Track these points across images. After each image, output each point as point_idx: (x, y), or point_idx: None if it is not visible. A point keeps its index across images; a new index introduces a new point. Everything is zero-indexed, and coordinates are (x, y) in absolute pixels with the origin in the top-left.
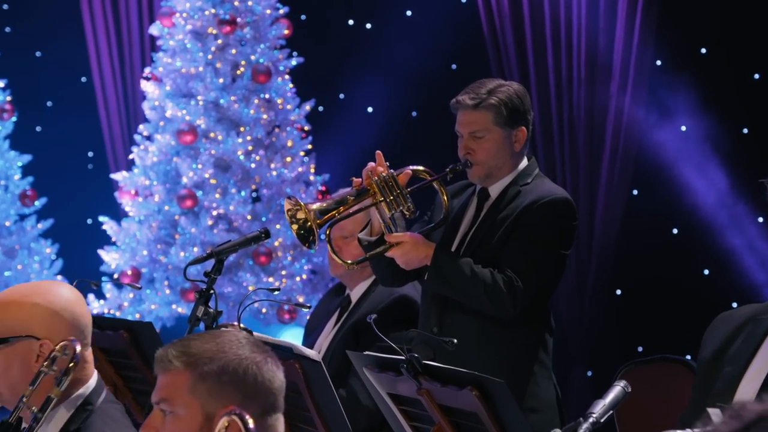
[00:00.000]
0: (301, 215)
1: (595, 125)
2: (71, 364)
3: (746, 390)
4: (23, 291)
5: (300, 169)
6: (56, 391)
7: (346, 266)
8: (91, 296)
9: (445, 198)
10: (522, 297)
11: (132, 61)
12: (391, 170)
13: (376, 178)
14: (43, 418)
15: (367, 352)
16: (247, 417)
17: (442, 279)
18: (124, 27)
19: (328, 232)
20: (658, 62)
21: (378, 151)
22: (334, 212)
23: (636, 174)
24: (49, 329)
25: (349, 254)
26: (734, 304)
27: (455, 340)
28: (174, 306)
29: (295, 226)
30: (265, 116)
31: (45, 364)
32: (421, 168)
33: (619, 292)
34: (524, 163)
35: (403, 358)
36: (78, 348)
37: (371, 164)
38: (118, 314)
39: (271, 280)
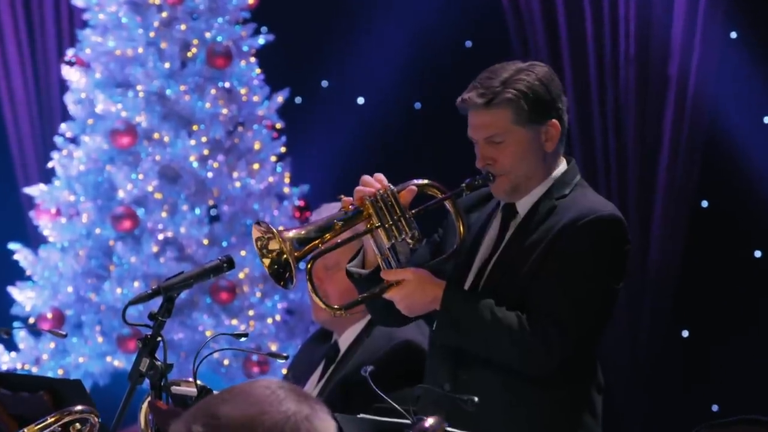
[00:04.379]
0: (274, 246)
1: (649, 117)
2: None
3: None
4: None
5: (270, 179)
6: None
7: (333, 312)
8: None
9: (461, 225)
10: (560, 346)
11: (45, 40)
12: (391, 186)
13: (371, 196)
14: None
15: (361, 415)
16: None
17: (455, 328)
18: None
19: (309, 267)
20: (733, 34)
21: (378, 174)
22: (317, 242)
23: (704, 180)
24: None
25: (334, 289)
26: None
27: (476, 399)
28: (108, 358)
29: (267, 261)
30: (224, 111)
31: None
32: (428, 182)
33: (685, 333)
34: (561, 167)
35: (408, 422)
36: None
37: (365, 177)
38: (35, 370)
39: (234, 322)
